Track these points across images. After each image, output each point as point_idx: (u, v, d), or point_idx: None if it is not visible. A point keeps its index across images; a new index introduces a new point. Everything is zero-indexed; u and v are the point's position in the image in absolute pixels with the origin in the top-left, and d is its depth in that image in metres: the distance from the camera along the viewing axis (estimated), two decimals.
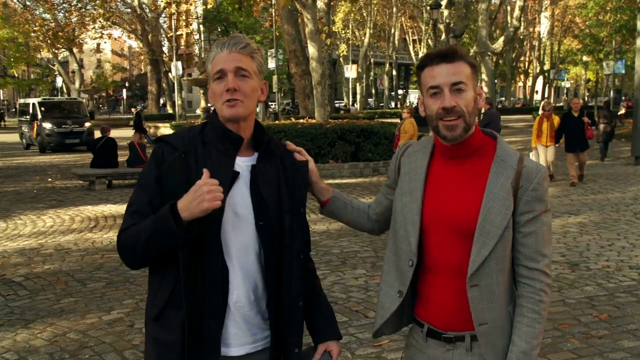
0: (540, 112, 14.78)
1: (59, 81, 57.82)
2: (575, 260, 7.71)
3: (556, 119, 13.86)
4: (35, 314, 5.96)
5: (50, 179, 16.38)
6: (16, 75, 69.07)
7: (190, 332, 2.04)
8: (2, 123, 48.97)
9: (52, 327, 5.59)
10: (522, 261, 2.01)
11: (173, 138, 2.14)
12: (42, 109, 27.35)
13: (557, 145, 14.09)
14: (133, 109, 31.60)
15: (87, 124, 26.89)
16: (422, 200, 2.13)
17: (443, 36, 33.32)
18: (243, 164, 2.14)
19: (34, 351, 5.06)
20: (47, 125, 26.06)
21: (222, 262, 2.06)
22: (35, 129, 26.19)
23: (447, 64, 2.00)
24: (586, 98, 72.41)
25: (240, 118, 2.10)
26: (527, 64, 68.34)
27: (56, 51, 50.22)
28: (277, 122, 21.23)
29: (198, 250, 2.03)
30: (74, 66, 55.37)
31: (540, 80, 65.27)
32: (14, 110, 51.54)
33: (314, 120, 18.84)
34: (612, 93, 44.37)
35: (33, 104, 28.21)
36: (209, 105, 29.17)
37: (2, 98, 77.25)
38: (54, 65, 57.04)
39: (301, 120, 19.29)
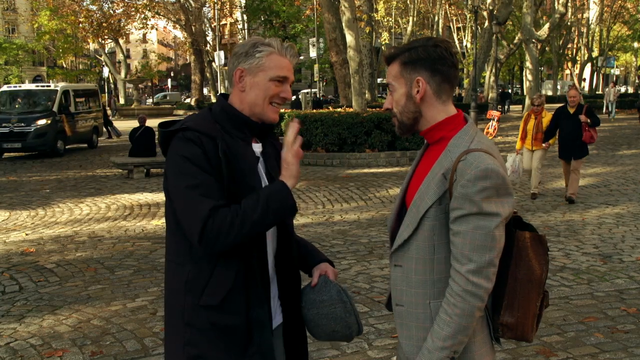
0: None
1: (106, 71, 58.97)
2: (609, 252, 7.52)
3: (547, 118, 10.84)
4: (62, 301, 6.09)
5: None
6: (65, 65, 70.55)
7: (252, 313, 2.21)
8: None
9: (78, 314, 5.71)
10: (451, 259, 2.00)
11: (201, 127, 2.20)
12: (2, 101, 21.05)
13: (544, 146, 10.82)
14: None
15: (41, 122, 19.38)
16: (408, 182, 2.26)
17: (486, 23, 32.82)
18: (256, 150, 2.34)
19: (57, 337, 5.17)
20: None
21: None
22: None
23: (388, 67, 2.16)
24: (636, 85, 70.51)
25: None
26: (574, 51, 66.74)
27: (102, 42, 51.13)
28: (314, 111, 21.17)
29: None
30: (120, 56, 56.36)
31: (588, 68, 63.64)
32: None
33: (351, 109, 18.77)
34: None
35: None
36: None
37: None
38: (101, 55, 58.12)
39: (339, 109, 19.24)
